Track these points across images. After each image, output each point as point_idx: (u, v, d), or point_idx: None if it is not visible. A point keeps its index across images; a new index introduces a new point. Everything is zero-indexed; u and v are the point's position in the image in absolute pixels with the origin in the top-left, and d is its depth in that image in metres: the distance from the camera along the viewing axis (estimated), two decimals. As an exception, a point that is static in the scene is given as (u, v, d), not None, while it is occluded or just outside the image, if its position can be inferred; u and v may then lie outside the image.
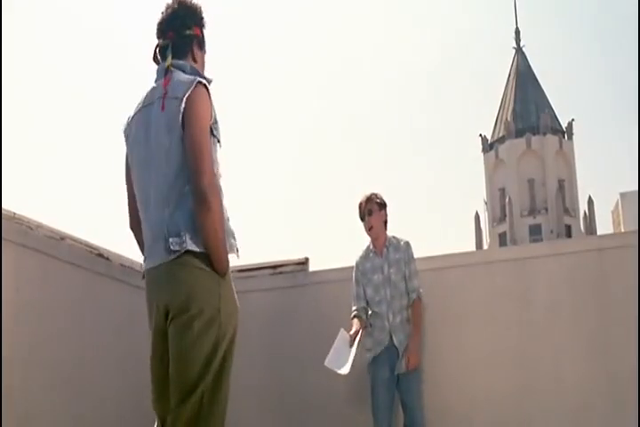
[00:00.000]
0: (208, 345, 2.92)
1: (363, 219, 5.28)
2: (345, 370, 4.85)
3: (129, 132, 3.22)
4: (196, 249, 2.96)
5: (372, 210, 5.24)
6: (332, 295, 5.66)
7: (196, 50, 3.28)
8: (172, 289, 2.97)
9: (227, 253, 3.02)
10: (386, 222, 5.31)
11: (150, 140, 3.09)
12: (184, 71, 3.17)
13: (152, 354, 3.09)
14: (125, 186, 3.27)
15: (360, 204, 5.28)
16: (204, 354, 2.91)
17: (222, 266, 3.00)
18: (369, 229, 5.26)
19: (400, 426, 5.06)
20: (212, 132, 3.06)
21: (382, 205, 5.28)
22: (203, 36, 3.33)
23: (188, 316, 2.92)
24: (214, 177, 2.99)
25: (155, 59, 3.27)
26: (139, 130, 3.15)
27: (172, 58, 3.19)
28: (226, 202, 3.10)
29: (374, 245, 5.28)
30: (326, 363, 4.92)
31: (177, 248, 2.95)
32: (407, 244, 5.24)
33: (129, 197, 3.26)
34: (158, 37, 3.26)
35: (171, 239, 2.96)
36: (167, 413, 2.99)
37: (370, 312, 5.18)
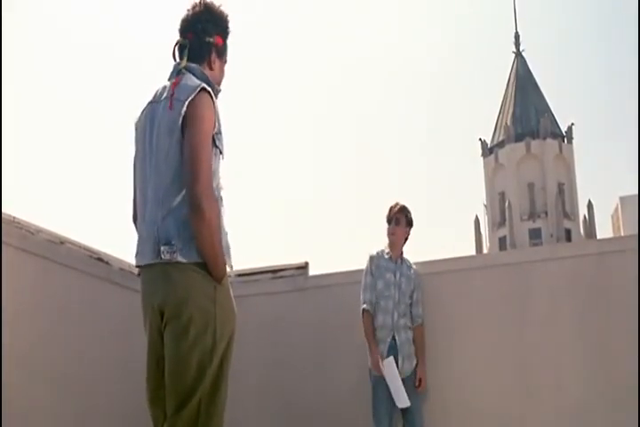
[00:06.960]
0: (204, 351, 2.89)
1: (389, 222, 5.33)
2: (404, 403, 4.97)
3: (138, 125, 3.19)
4: (186, 261, 2.92)
5: (400, 220, 5.31)
6: (332, 299, 5.66)
7: (214, 58, 3.22)
8: (167, 291, 2.94)
9: (223, 261, 2.97)
10: (406, 240, 5.37)
11: (152, 139, 3.06)
12: (194, 75, 3.12)
13: (148, 356, 3.06)
14: (133, 178, 3.20)
15: (392, 208, 5.35)
16: (200, 360, 2.88)
17: (219, 273, 2.95)
18: (391, 234, 5.31)
19: (399, 430, 5.06)
20: (215, 142, 3.01)
21: (409, 223, 5.36)
22: (224, 45, 3.26)
23: (184, 322, 2.89)
24: (210, 184, 2.92)
25: (174, 55, 3.22)
26: (145, 125, 3.12)
27: (188, 60, 3.15)
28: (227, 215, 3.05)
29: (391, 252, 5.31)
30: (397, 403, 4.99)
31: (167, 257, 2.92)
32: (417, 271, 5.30)
33: (134, 190, 3.19)
34: (179, 35, 3.22)
35: (162, 247, 2.93)
36: (161, 417, 2.96)
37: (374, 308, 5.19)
